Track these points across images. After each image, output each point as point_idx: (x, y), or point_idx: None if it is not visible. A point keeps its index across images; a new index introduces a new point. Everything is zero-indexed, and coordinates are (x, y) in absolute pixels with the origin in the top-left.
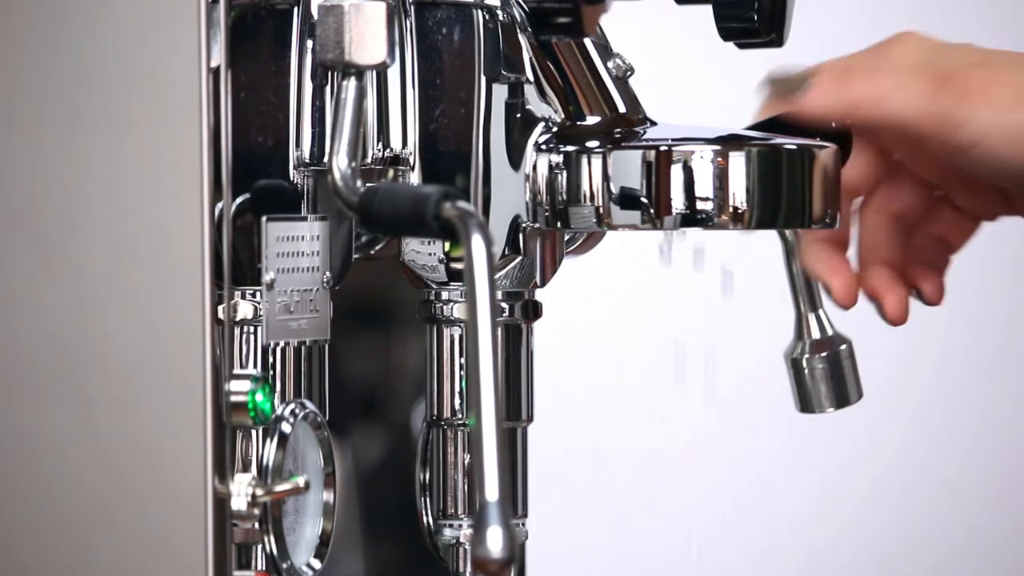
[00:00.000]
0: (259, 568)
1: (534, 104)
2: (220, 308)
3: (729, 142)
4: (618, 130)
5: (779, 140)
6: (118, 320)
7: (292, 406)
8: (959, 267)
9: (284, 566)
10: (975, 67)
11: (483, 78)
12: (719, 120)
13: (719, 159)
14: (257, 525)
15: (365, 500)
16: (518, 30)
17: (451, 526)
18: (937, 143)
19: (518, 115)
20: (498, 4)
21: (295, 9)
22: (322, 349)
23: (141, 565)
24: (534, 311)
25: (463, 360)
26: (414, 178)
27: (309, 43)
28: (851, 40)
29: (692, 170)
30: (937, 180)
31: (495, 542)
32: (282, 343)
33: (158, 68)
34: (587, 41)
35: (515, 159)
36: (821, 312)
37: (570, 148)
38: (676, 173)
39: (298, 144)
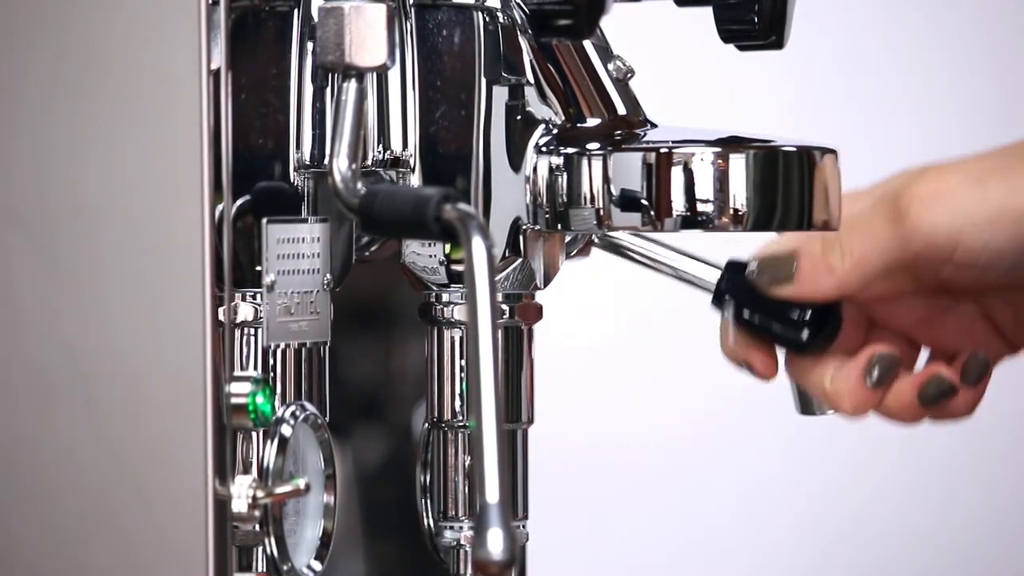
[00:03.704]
0: (260, 570)
1: (534, 106)
2: (220, 310)
3: (729, 144)
4: (618, 132)
5: (779, 142)
6: (119, 322)
7: (292, 408)
8: None
9: (285, 568)
10: (918, 176)
11: (483, 80)
12: (719, 122)
13: (719, 161)
14: (258, 527)
15: (366, 502)
16: (518, 32)
17: (452, 528)
18: (928, 268)
19: (518, 117)
20: (498, 6)
21: (295, 11)
22: (322, 351)
23: (142, 567)
24: (534, 313)
25: (463, 362)
26: (414, 180)
27: (309, 45)
28: (851, 41)
29: (692, 172)
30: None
31: (496, 544)
32: (282, 345)
33: (158, 70)
34: (587, 43)
35: (515, 161)
36: None
37: (570, 150)
38: (676, 175)
39: (298, 146)
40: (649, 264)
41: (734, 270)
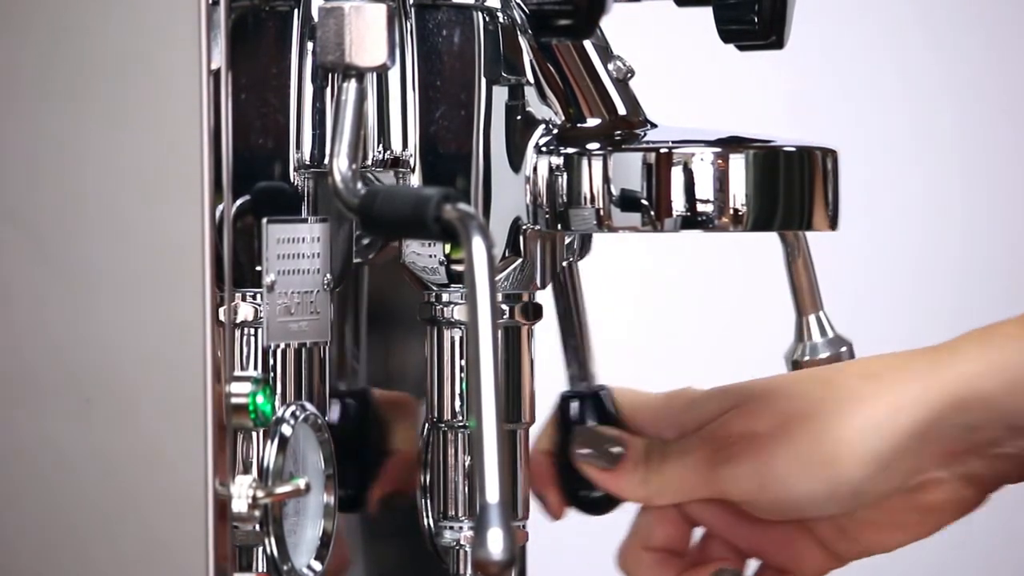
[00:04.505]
0: (260, 570)
1: (534, 106)
2: (221, 310)
3: (729, 144)
4: (618, 132)
5: (779, 142)
6: (118, 322)
7: (293, 408)
8: (961, 273)
9: (285, 568)
10: (732, 417)
11: (483, 80)
12: (719, 122)
13: (719, 161)
14: (258, 527)
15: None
16: (518, 32)
17: (451, 528)
18: (744, 505)
19: (518, 117)
20: (498, 6)
21: (295, 11)
22: (322, 351)
23: (142, 567)
24: (534, 313)
25: (463, 362)
26: (414, 180)
27: (309, 45)
28: (851, 41)
29: (692, 172)
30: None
31: (496, 544)
32: (282, 345)
33: (158, 70)
34: (587, 43)
35: (515, 161)
36: (822, 314)
37: (570, 150)
38: (676, 175)
39: (298, 146)
40: None
41: (594, 395)
